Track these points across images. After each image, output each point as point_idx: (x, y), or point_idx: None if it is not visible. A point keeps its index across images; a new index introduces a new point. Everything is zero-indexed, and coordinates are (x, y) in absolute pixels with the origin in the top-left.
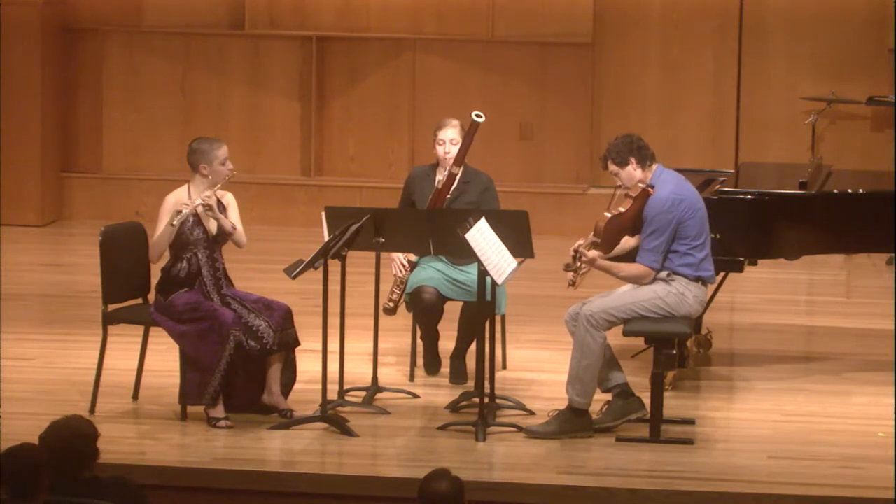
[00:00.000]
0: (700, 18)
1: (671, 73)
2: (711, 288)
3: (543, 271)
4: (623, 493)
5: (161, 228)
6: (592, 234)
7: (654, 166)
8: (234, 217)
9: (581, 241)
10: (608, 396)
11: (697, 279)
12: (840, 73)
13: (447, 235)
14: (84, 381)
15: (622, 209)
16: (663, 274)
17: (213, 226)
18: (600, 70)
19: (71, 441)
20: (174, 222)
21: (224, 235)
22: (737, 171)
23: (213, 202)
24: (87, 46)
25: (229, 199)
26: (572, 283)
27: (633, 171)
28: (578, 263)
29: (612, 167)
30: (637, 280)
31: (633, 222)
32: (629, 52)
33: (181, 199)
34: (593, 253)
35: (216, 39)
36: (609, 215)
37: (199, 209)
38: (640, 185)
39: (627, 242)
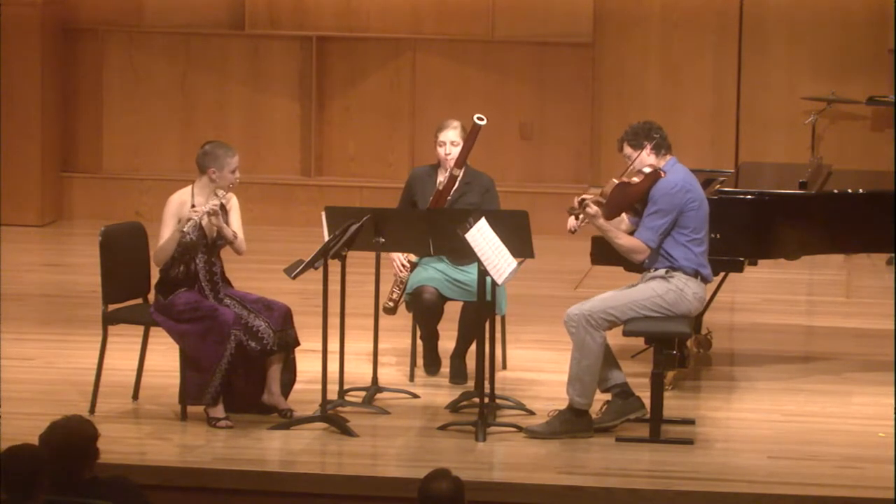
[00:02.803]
0: (700, 18)
1: (671, 73)
2: (710, 287)
3: (543, 271)
4: (623, 493)
5: (165, 231)
6: (599, 193)
7: (668, 157)
8: (235, 221)
9: (587, 195)
10: (608, 396)
11: (696, 274)
12: (840, 73)
13: (447, 235)
14: (84, 381)
15: (636, 179)
16: (661, 271)
17: (212, 230)
18: (600, 70)
19: (71, 441)
20: (185, 229)
21: (222, 240)
22: (737, 171)
23: (218, 210)
24: (87, 46)
25: (233, 203)
26: (573, 230)
27: (646, 157)
28: (579, 211)
29: (627, 149)
30: (630, 252)
31: (639, 197)
32: (629, 52)
33: (185, 201)
34: (596, 209)
35: (216, 39)
36: (617, 181)
37: (204, 217)
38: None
39: (623, 223)
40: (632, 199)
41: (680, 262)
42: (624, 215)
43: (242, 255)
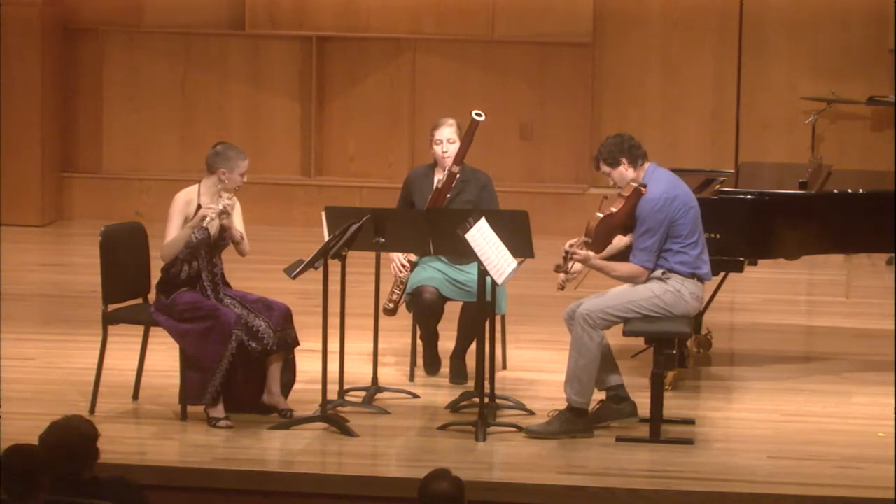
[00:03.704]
0: (700, 18)
1: (671, 73)
2: (710, 287)
3: (543, 271)
4: (623, 493)
5: (172, 227)
6: (584, 234)
7: (647, 165)
8: (238, 223)
9: (572, 241)
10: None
11: (693, 276)
12: (840, 73)
13: (447, 235)
14: (84, 381)
15: (613, 209)
16: (658, 272)
17: (214, 230)
18: (600, 70)
19: (71, 441)
20: (205, 224)
21: (225, 241)
22: (737, 171)
23: (229, 210)
24: (87, 46)
25: (235, 205)
26: (561, 287)
27: (624, 171)
28: (569, 265)
29: (604, 167)
30: (631, 279)
31: (625, 221)
32: (629, 52)
33: (192, 199)
34: (586, 252)
35: (216, 39)
36: (601, 215)
37: (213, 215)
38: (633, 184)
39: (621, 241)
40: (619, 224)
41: (675, 267)
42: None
43: (246, 257)
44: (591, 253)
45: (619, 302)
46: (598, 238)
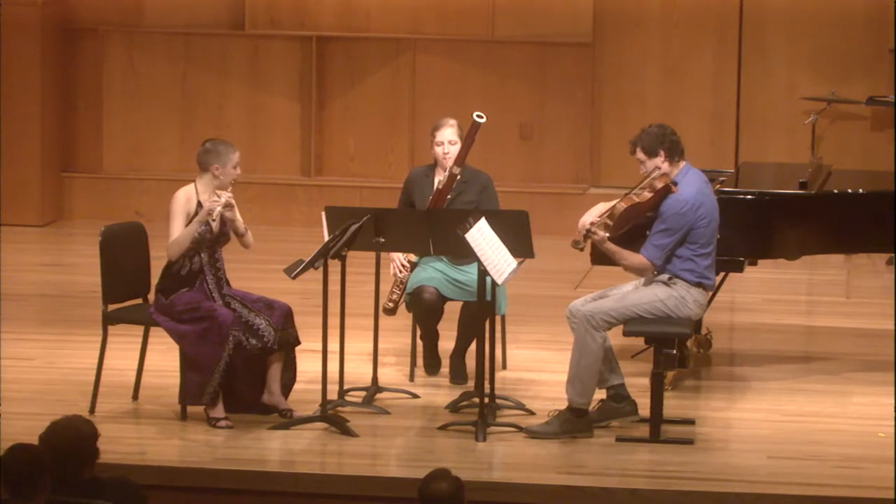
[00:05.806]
0: (700, 18)
1: (671, 73)
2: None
3: (543, 271)
4: (623, 493)
5: (176, 225)
6: (607, 215)
7: (682, 163)
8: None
9: (594, 220)
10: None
11: (699, 284)
12: (840, 73)
13: (447, 235)
14: (84, 381)
15: (642, 198)
16: (664, 277)
17: (215, 225)
18: (600, 70)
19: (71, 441)
20: (214, 218)
21: (226, 236)
22: (737, 171)
23: (233, 202)
24: (87, 46)
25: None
26: (580, 249)
27: (660, 164)
28: (587, 240)
29: (640, 155)
30: (637, 271)
31: (648, 210)
32: (629, 52)
33: (191, 197)
34: (603, 234)
35: (216, 39)
36: (624, 206)
37: (220, 208)
38: (665, 178)
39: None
40: (641, 214)
41: (683, 274)
42: None
43: (250, 249)
44: (606, 235)
45: (623, 304)
46: (619, 223)
